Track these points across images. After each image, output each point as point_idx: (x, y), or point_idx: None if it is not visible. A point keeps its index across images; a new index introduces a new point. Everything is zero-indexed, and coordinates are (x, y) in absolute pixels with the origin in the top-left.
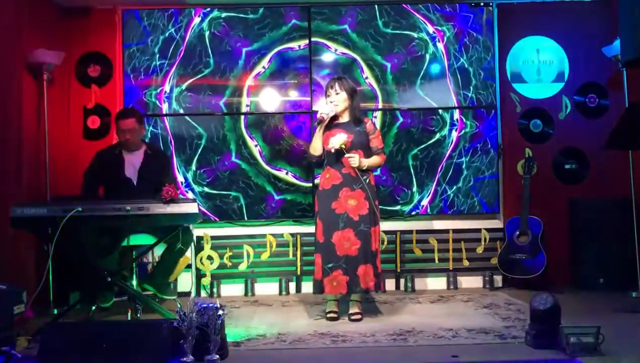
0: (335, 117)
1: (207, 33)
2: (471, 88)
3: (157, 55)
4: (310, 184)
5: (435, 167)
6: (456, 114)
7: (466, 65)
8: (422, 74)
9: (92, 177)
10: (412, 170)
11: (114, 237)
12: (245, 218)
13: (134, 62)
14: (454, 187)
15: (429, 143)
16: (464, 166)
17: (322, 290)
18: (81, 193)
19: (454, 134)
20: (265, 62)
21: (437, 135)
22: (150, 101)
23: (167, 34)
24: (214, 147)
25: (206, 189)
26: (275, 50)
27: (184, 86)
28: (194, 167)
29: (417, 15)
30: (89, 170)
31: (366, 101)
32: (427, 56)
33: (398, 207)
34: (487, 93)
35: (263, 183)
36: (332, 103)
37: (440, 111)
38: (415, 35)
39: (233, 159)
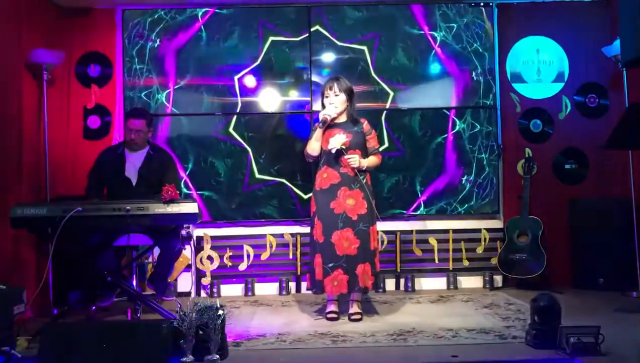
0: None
1: (207, 32)
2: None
3: (157, 56)
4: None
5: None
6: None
7: (466, 64)
8: (422, 73)
9: (96, 177)
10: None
11: (106, 235)
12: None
13: (134, 61)
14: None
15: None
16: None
17: (323, 290)
18: (85, 193)
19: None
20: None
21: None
22: (149, 101)
23: (166, 34)
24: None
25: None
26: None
27: (182, 86)
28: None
29: (417, 14)
30: (92, 170)
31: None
32: (427, 56)
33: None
34: (487, 93)
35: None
36: (331, 104)
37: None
38: (415, 34)
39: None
